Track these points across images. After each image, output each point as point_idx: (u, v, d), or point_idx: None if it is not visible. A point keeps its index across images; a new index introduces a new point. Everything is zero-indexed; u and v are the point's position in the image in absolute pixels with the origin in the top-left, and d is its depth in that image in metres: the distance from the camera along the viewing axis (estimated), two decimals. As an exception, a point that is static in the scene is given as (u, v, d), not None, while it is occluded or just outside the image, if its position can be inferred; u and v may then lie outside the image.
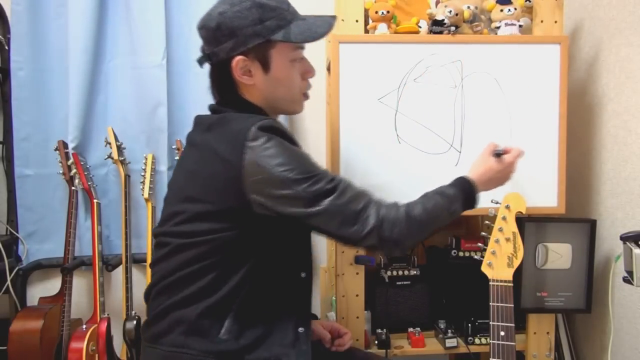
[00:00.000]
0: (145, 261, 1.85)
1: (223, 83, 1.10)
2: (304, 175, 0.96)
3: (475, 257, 1.26)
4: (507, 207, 1.22)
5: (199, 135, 1.09)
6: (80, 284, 1.93)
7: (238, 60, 1.04)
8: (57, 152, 1.78)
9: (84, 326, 1.71)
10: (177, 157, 1.86)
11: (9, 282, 1.81)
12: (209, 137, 1.05)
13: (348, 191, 0.98)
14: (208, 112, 1.14)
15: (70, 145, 1.82)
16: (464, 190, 1.12)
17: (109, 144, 1.80)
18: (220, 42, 1.04)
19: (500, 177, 1.20)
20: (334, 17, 1.12)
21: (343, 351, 1.28)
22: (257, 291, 1.04)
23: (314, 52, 1.97)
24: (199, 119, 1.13)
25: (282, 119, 1.89)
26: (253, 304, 1.03)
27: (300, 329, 1.07)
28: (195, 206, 1.03)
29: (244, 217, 1.00)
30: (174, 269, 1.05)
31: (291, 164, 0.96)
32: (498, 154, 1.21)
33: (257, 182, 0.96)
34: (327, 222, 0.97)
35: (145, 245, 1.85)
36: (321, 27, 1.08)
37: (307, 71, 1.14)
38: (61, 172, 1.78)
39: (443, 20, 1.40)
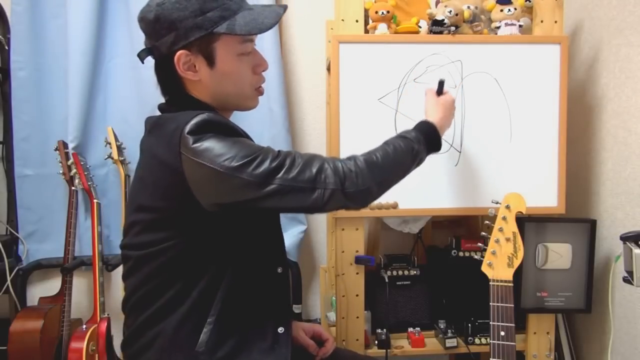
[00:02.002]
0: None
1: (168, 79, 1.03)
2: (246, 160, 0.89)
3: (475, 257, 1.27)
4: (507, 207, 1.22)
5: (145, 139, 1.05)
6: (80, 284, 1.93)
7: (180, 54, 0.97)
8: (57, 152, 1.78)
9: (84, 326, 1.71)
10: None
11: (9, 282, 1.81)
12: (150, 140, 1.02)
13: (297, 161, 0.92)
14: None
15: (70, 145, 1.82)
16: (426, 132, 1.09)
17: (109, 144, 1.80)
18: (161, 35, 0.97)
19: (451, 111, 1.22)
20: (283, 7, 1.03)
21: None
22: (233, 293, 1.00)
23: (314, 52, 1.99)
24: (146, 121, 1.07)
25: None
26: (230, 308, 0.99)
27: (280, 329, 1.04)
28: (148, 215, 0.99)
29: (198, 221, 0.96)
30: (141, 282, 1.02)
31: (230, 153, 0.89)
32: (441, 88, 1.24)
33: (202, 181, 0.91)
34: (285, 198, 0.91)
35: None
36: (268, 17, 0.99)
37: (259, 65, 1.06)
38: (61, 172, 1.78)
39: (443, 20, 1.40)
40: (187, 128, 0.90)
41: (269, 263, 1.08)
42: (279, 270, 1.08)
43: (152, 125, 1.03)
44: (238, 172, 0.89)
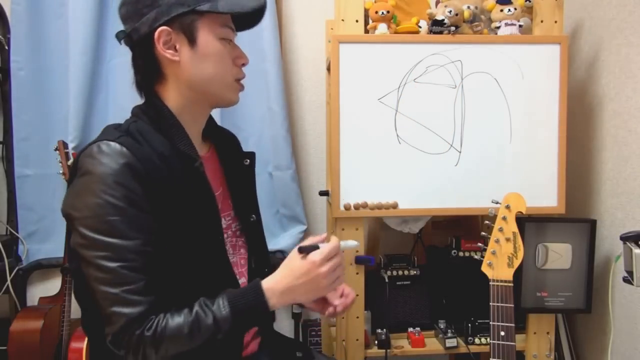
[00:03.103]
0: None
1: (146, 66, 0.97)
2: (84, 231, 0.83)
3: (475, 257, 1.26)
4: (507, 207, 1.22)
5: None
6: (80, 284, 1.93)
7: (161, 31, 0.93)
8: (57, 152, 1.78)
9: (84, 326, 1.71)
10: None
11: (9, 282, 1.81)
12: None
13: (120, 287, 0.82)
14: None
15: (70, 145, 1.81)
16: (243, 313, 0.87)
17: (109, 144, 1.80)
18: (142, 14, 0.93)
19: (305, 284, 0.89)
20: None
21: None
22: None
23: (314, 52, 1.99)
24: None
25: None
26: None
27: None
28: None
29: None
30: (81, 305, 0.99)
31: (81, 207, 0.84)
32: (303, 250, 0.91)
33: (64, 207, 0.89)
34: (93, 291, 0.84)
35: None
36: (251, 1, 0.97)
37: (239, 57, 1.02)
38: (61, 172, 1.78)
39: (443, 20, 1.40)
40: (85, 154, 0.87)
41: (211, 287, 0.91)
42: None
43: None
44: (74, 233, 0.85)
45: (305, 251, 0.90)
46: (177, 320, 0.84)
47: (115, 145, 0.86)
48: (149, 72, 0.98)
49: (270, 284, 0.90)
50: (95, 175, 0.84)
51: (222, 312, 0.85)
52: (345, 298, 1.07)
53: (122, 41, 0.98)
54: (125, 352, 0.84)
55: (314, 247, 0.91)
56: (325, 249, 0.90)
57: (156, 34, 0.93)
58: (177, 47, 0.95)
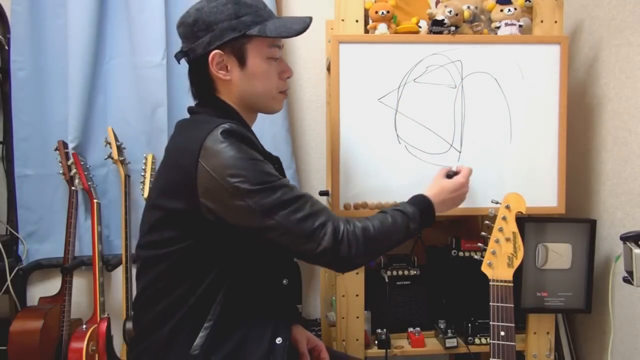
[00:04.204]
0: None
1: (200, 81, 1.09)
2: (258, 186, 0.93)
3: (475, 257, 1.27)
4: (507, 207, 1.22)
5: (170, 140, 1.10)
6: (80, 284, 1.93)
7: (214, 54, 1.04)
8: (57, 152, 1.78)
9: (84, 326, 1.71)
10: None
11: (9, 282, 1.81)
12: (173, 142, 1.08)
13: (305, 207, 0.96)
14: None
15: (70, 145, 1.82)
16: (423, 209, 1.12)
17: (109, 144, 1.80)
18: (198, 37, 1.05)
19: (454, 197, 1.23)
20: (310, 18, 1.12)
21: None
22: (233, 300, 1.01)
23: (314, 52, 1.99)
24: (176, 124, 1.13)
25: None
26: (229, 314, 1.00)
27: (278, 340, 1.04)
28: (156, 214, 1.02)
29: (202, 226, 0.97)
30: (145, 285, 1.05)
31: (245, 173, 0.93)
32: (450, 175, 1.28)
33: (209, 189, 0.94)
34: (281, 236, 0.94)
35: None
36: (296, 24, 1.09)
37: (284, 71, 1.14)
38: (61, 172, 1.78)
39: (443, 20, 1.40)
40: (211, 135, 0.94)
41: (275, 274, 1.10)
42: (285, 282, 1.11)
43: (178, 128, 1.09)
44: (246, 197, 0.92)
45: (450, 176, 1.28)
46: (376, 220, 1.03)
47: (226, 124, 0.97)
48: (203, 86, 1.09)
49: (431, 197, 1.16)
50: (231, 146, 0.93)
51: (409, 210, 1.09)
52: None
53: (180, 54, 1.10)
54: (348, 250, 0.96)
55: (456, 172, 1.29)
56: (465, 173, 1.27)
57: (210, 57, 1.04)
58: (229, 67, 1.06)
